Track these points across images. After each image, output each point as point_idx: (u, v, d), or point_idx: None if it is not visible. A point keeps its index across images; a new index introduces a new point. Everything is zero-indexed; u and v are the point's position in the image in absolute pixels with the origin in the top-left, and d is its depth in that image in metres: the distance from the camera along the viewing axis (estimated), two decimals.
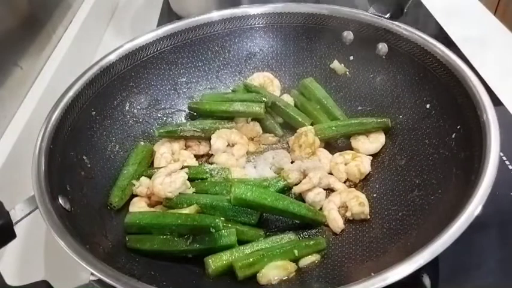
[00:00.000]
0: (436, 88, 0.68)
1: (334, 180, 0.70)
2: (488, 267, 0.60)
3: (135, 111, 0.78)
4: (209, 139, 0.76)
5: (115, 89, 0.75)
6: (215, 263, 0.57)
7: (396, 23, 0.74)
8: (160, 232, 0.61)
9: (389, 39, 0.75)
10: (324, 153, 0.73)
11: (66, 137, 0.64)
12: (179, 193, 0.65)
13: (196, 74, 0.84)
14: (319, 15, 0.80)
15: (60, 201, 0.56)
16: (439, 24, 1.06)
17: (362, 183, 0.70)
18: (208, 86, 0.85)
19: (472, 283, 0.58)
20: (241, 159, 0.74)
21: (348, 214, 0.64)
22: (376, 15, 0.76)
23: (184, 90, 0.83)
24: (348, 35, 0.80)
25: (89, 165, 0.67)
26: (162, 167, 0.70)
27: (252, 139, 0.79)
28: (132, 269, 0.56)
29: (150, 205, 0.68)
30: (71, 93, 0.67)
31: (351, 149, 0.74)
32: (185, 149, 0.77)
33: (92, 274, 0.47)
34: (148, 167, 0.73)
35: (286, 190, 0.68)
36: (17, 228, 0.52)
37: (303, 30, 0.83)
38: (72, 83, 0.69)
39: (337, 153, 0.73)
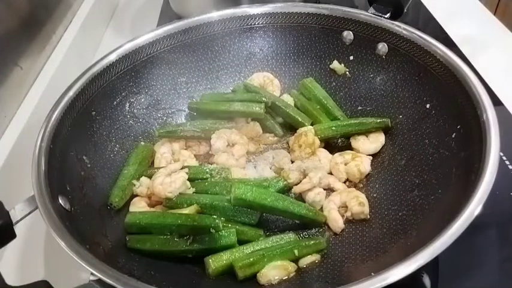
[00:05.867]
0: (436, 88, 0.68)
1: (334, 180, 0.70)
2: (488, 267, 0.60)
3: (135, 111, 0.78)
4: (209, 139, 0.75)
5: (115, 89, 0.75)
6: (215, 263, 0.57)
7: (396, 23, 0.74)
8: (161, 232, 0.61)
9: (389, 39, 0.75)
10: (324, 153, 0.73)
11: (66, 137, 0.64)
12: (179, 193, 0.65)
13: (196, 74, 0.84)
14: (319, 15, 0.80)
15: (60, 201, 0.56)
16: (439, 24, 1.06)
17: (362, 183, 0.70)
18: (208, 86, 0.84)
19: (472, 283, 0.58)
20: (241, 159, 0.74)
21: (348, 214, 0.64)
22: (376, 15, 0.76)
23: (184, 90, 0.83)
24: (348, 35, 0.80)
25: (89, 165, 0.67)
26: (162, 167, 0.70)
27: (252, 139, 0.79)
28: (132, 269, 0.56)
29: (150, 205, 0.68)
30: (71, 93, 0.67)
31: (351, 149, 0.74)
32: (185, 149, 0.77)
33: (92, 274, 0.47)
34: (149, 167, 0.73)
35: (286, 190, 0.68)
36: (17, 228, 0.52)
37: (303, 30, 0.82)
38: (72, 83, 0.69)
39: (337, 153, 0.73)
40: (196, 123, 0.77)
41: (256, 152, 0.77)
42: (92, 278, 0.47)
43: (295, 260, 0.59)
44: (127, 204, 0.67)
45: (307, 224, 0.64)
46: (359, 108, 0.79)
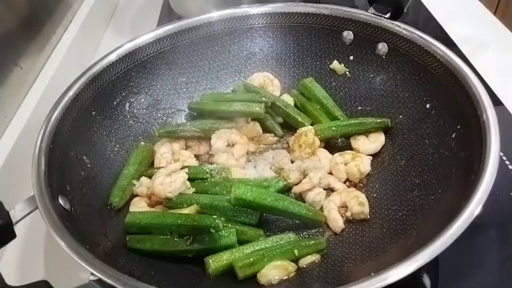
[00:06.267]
0: (436, 88, 0.68)
1: (334, 180, 0.70)
2: (488, 267, 0.60)
3: (135, 111, 0.78)
4: (209, 139, 0.75)
5: (115, 89, 0.75)
6: (215, 263, 0.57)
7: (396, 23, 0.74)
8: (161, 232, 0.61)
9: (389, 39, 0.75)
10: (324, 153, 0.73)
11: (66, 137, 0.64)
12: (179, 193, 0.65)
13: (196, 74, 0.84)
14: (319, 15, 0.80)
15: (60, 201, 0.56)
16: (439, 24, 1.06)
17: (362, 183, 0.70)
18: (208, 86, 0.84)
19: (472, 283, 0.58)
20: (241, 159, 0.74)
21: (348, 214, 0.64)
22: (376, 15, 0.76)
23: (184, 90, 0.83)
24: (348, 35, 0.79)
25: (89, 165, 0.67)
26: (162, 167, 0.70)
27: (252, 139, 0.78)
28: (132, 269, 0.56)
29: (150, 205, 0.68)
30: (70, 93, 0.67)
31: (351, 149, 0.74)
32: (185, 149, 0.77)
33: (92, 274, 0.47)
34: (149, 167, 0.73)
35: (286, 190, 0.68)
36: (17, 228, 0.52)
37: (303, 30, 0.82)
38: (72, 83, 0.69)
39: (337, 153, 0.73)
40: (196, 123, 0.77)
41: (256, 152, 0.77)
42: (92, 278, 0.47)
43: (295, 260, 0.59)
44: (127, 204, 0.67)
45: (307, 224, 0.64)
46: (359, 108, 0.79)
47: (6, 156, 0.71)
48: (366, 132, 0.74)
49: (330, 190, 0.69)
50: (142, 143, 0.76)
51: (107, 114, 0.73)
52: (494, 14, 1.11)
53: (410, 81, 0.73)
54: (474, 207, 0.48)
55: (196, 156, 0.76)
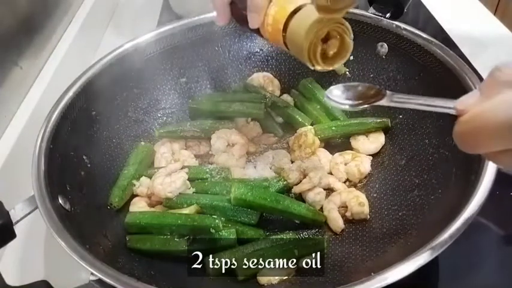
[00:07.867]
0: (436, 88, 0.68)
1: (334, 180, 0.70)
2: (488, 267, 0.60)
3: (135, 111, 0.78)
4: (209, 139, 0.75)
5: (115, 89, 0.75)
6: (215, 263, 0.57)
7: (396, 23, 0.74)
8: (161, 232, 0.61)
9: (390, 39, 0.75)
10: (324, 153, 0.73)
11: (66, 137, 0.64)
12: (179, 193, 0.65)
13: (196, 74, 0.83)
14: None
15: (60, 201, 0.56)
16: (439, 24, 1.06)
17: (362, 183, 0.70)
18: (208, 86, 0.84)
19: (472, 283, 0.58)
20: (241, 159, 0.74)
21: (348, 214, 0.64)
22: (376, 15, 0.75)
23: (184, 90, 0.83)
24: None
25: (89, 165, 0.67)
26: (162, 167, 0.70)
27: (252, 139, 0.78)
28: (132, 269, 0.56)
29: (151, 205, 0.68)
30: (70, 93, 0.67)
31: (351, 149, 0.74)
32: (185, 149, 0.77)
33: (92, 274, 0.47)
34: (149, 167, 0.73)
35: (286, 190, 0.68)
36: (17, 228, 0.52)
37: None
38: (72, 83, 0.68)
39: (337, 153, 0.73)
40: (196, 123, 0.77)
41: (256, 152, 0.77)
42: (92, 278, 0.47)
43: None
44: (127, 204, 0.67)
45: (307, 224, 0.64)
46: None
47: (6, 156, 0.71)
48: (366, 132, 0.74)
49: (330, 190, 0.69)
50: (142, 143, 0.76)
51: (106, 114, 0.73)
52: (494, 14, 1.11)
53: (410, 81, 0.73)
54: (474, 207, 0.48)
55: (196, 156, 0.76)
